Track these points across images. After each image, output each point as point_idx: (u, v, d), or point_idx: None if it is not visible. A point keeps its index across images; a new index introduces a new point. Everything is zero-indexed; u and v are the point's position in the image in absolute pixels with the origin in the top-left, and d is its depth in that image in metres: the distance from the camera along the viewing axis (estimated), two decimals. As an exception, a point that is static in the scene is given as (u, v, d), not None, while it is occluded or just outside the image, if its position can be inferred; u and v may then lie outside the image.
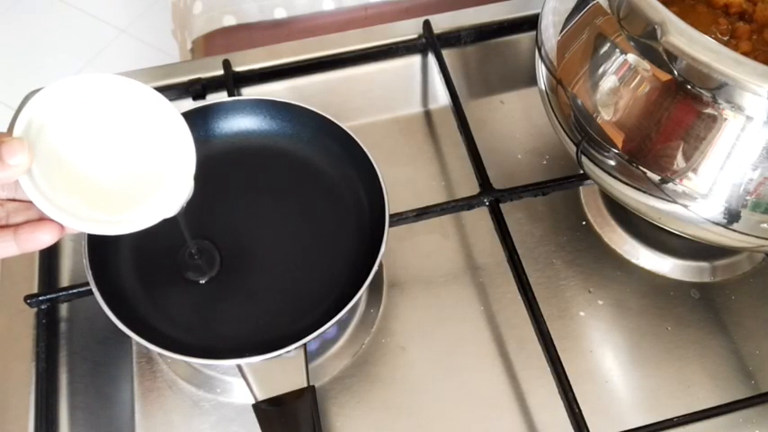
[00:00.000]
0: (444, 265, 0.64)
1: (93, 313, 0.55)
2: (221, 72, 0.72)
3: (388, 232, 0.55)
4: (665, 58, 0.45)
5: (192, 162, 0.48)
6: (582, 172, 0.57)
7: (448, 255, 0.65)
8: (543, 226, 0.66)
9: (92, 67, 1.73)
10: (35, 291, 0.60)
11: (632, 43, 0.47)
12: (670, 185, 0.48)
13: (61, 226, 0.44)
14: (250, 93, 0.73)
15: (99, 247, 0.54)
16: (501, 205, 0.63)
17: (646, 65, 0.47)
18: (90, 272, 0.52)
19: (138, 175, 0.47)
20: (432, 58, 0.74)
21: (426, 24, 0.75)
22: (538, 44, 0.57)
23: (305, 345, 0.51)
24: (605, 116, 0.50)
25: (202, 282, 0.56)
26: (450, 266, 0.64)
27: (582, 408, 0.53)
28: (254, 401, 0.51)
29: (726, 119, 0.44)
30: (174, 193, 0.47)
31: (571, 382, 0.54)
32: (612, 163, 0.51)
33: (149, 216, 0.46)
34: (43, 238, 0.45)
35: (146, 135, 0.47)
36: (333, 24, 0.89)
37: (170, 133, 0.47)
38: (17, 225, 0.45)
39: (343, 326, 0.61)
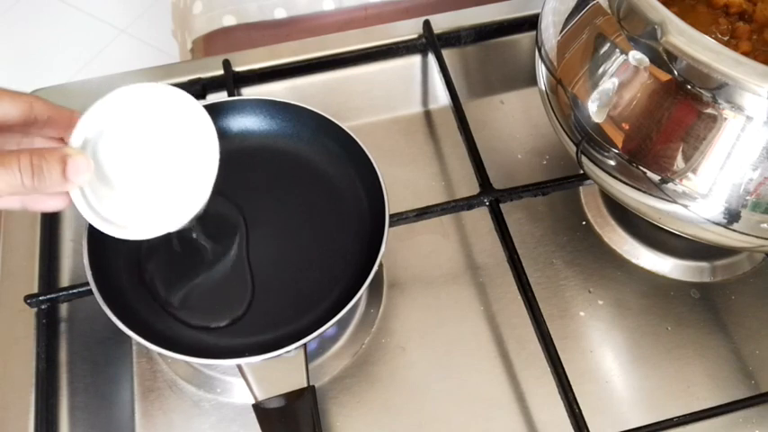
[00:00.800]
0: (444, 265, 0.64)
1: (93, 313, 0.55)
2: (221, 72, 0.72)
3: (388, 232, 0.55)
4: (665, 58, 0.45)
5: (212, 176, 0.49)
6: (582, 172, 0.57)
7: (448, 255, 0.65)
8: (543, 226, 0.66)
9: (92, 68, 1.73)
10: (35, 291, 0.60)
11: (632, 43, 0.47)
12: (670, 185, 0.48)
13: (68, 197, 0.46)
14: (250, 93, 0.73)
15: (99, 247, 0.54)
16: (501, 205, 0.63)
17: (646, 64, 0.47)
18: (90, 272, 0.52)
19: (164, 183, 0.48)
20: (432, 58, 0.74)
21: (426, 24, 0.75)
22: (538, 44, 0.57)
23: (305, 345, 0.51)
24: (605, 116, 0.50)
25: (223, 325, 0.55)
26: (450, 266, 0.64)
27: (582, 408, 0.53)
28: (254, 401, 0.51)
29: (726, 119, 0.44)
30: (189, 203, 0.49)
31: (571, 382, 0.54)
32: (612, 163, 0.51)
33: (162, 225, 0.48)
34: (51, 203, 0.46)
35: (178, 147, 0.49)
36: (333, 24, 0.89)
37: (200, 146, 0.49)
38: None
39: (343, 326, 0.61)
